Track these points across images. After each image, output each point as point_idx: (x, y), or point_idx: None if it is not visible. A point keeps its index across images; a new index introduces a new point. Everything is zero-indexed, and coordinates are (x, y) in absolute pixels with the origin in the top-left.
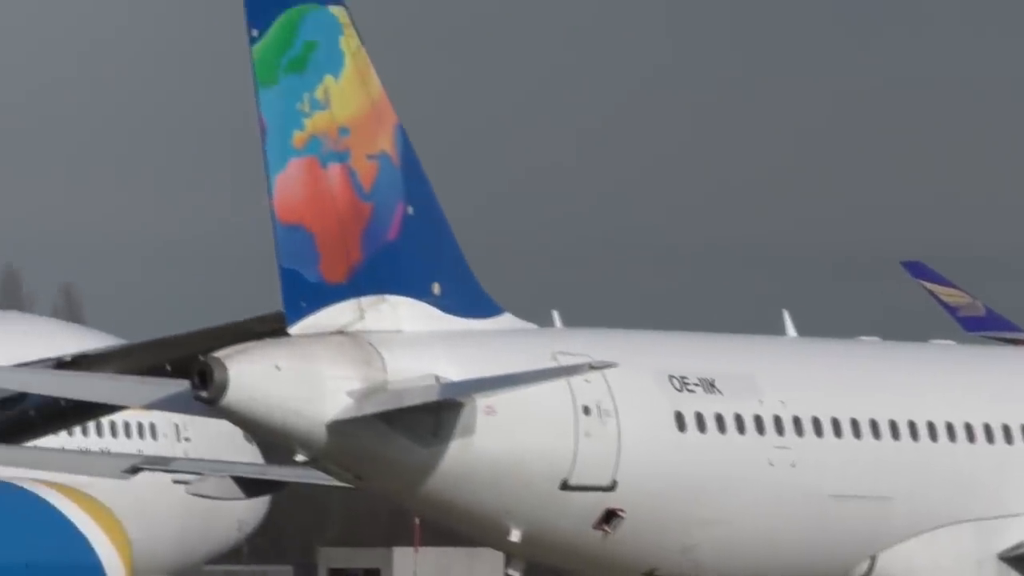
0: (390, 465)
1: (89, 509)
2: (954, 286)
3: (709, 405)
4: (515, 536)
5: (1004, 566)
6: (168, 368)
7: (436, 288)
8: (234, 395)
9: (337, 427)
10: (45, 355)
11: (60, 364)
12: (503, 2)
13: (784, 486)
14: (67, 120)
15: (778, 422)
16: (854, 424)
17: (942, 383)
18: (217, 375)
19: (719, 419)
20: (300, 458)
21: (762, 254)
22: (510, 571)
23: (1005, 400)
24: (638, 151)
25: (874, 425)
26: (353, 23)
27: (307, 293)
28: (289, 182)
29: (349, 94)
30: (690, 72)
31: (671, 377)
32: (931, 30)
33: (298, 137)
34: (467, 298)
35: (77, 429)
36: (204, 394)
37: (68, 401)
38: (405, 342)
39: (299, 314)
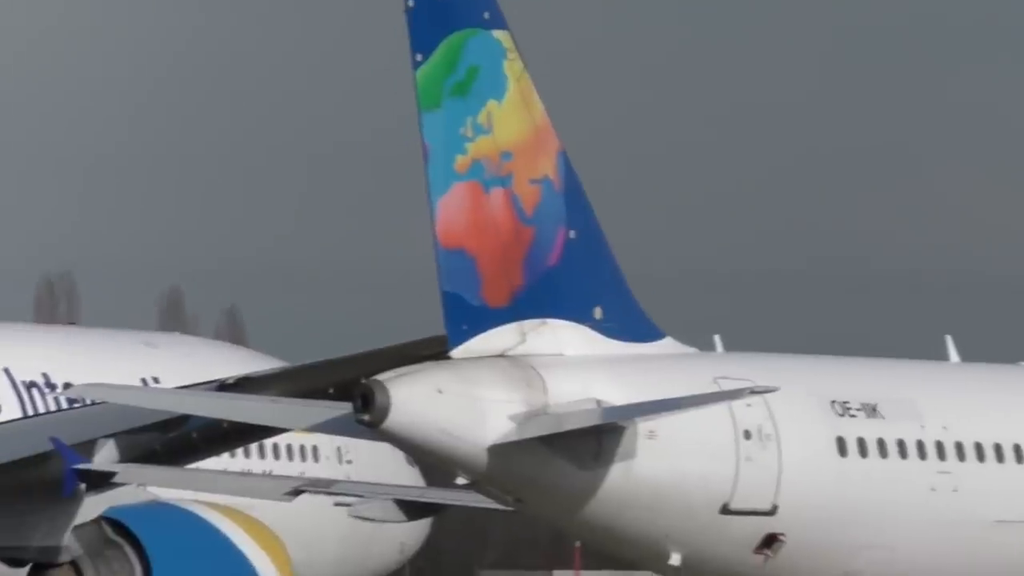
0: (551, 489)
1: (251, 531)
2: None
3: (871, 430)
4: (675, 560)
5: None
6: (330, 391)
7: (598, 312)
8: (396, 418)
9: (498, 450)
10: (208, 377)
11: (223, 386)
12: (675, 27)
13: (946, 511)
14: (232, 145)
15: (940, 447)
16: (1016, 449)
17: None
18: (379, 398)
19: (881, 444)
20: (461, 481)
21: (925, 279)
22: None
23: None
24: (804, 178)
25: None
26: (517, 47)
27: (469, 317)
28: (451, 206)
29: (512, 119)
30: (867, 100)
31: (833, 402)
32: None
33: (461, 161)
34: (629, 322)
35: (239, 451)
36: (366, 417)
37: (230, 423)
38: (566, 365)
39: (461, 337)
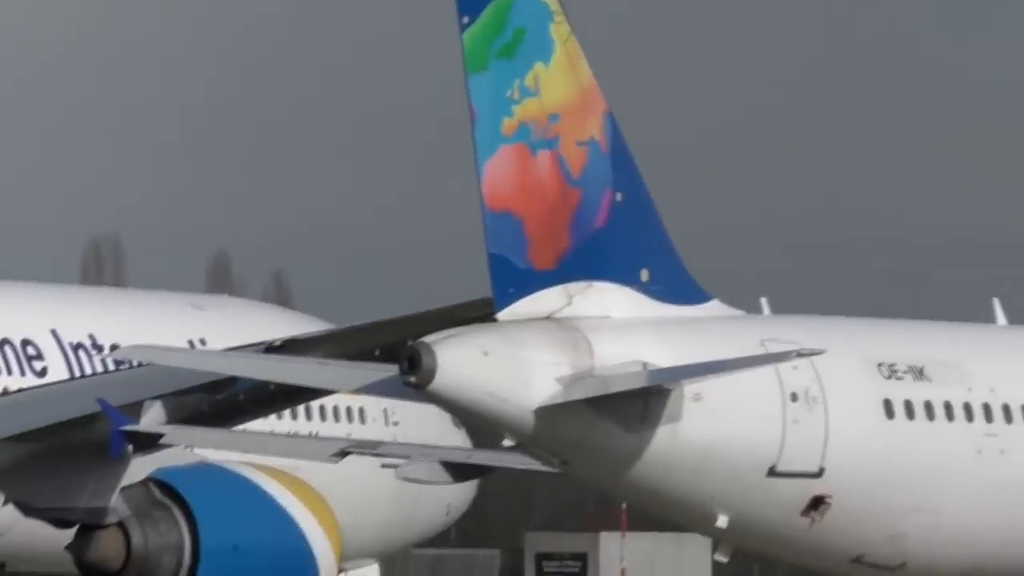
0: (597, 451)
1: (298, 492)
2: None
3: (918, 392)
4: (722, 522)
5: None
6: (377, 353)
7: (644, 274)
8: (442, 380)
9: (544, 413)
10: (255, 339)
11: (269, 348)
12: None
13: (993, 474)
14: (281, 109)
15: (987, 410)
16: None
17: None
18: (426, 360)
19: (928, 406)
20: (507, 443)
21: (972, 242)
22: (717, 556)
23: None
24: (853, 143)
25: None
26: (563, 10)
27: (515, 279)
28: (498, 169)
29: (559, 81)
30: (915, 70)
31: (880, 364)
32: None
33: (507, 124)
34: (675, 284)
35: (286, 413)
36: (412, 379)
37: (277, 385)
38: (613, 328)
39: (507, 300)
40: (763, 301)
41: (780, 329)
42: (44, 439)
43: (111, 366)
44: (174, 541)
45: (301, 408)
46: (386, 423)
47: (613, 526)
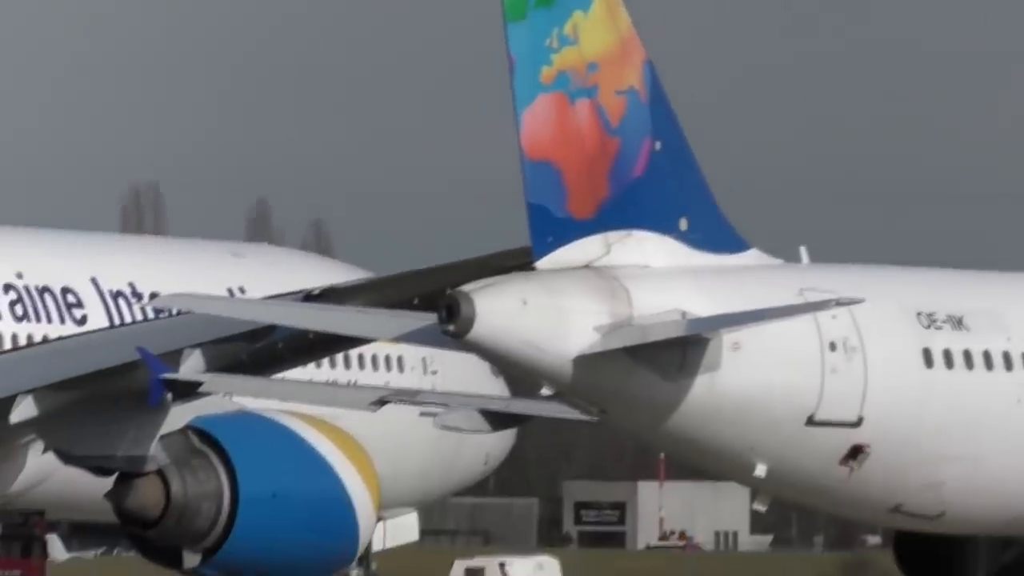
0: (635, 400)
1: (337, 440)
2: None
3: (957, 341)
4: (760, 471)
5: None
6: (416, 301)
7: (683, 223)
8: (481, 329)
9: (582, 362)
10: (294, 288)
11: (308, 297)
12: None
13: None
14: (320, 58)
15: None
16: None
17: None
18: (464, 309)
19: (967, 356)
20: (546, 392)
21: (1013, 193)
22: (756, 506)
23: None
24: (894, 93)
25: None
26: None
27: (554, 228)
28: (537, 118)
29: (598, 29)
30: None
31: (919, 314)
32: None
33: (546, 73)
34: (714, 233)
35: (325, 361)
36: (451, 327)
37: (316, 334)
38: (651, 277)
39: (546, 249)
40: (802, 250)
41: (819, 278)
42: (84, 387)
43: (151, 314)
44: (213, 489)
45: (340, 356)
46: (425, 372)
47: (651, 475)
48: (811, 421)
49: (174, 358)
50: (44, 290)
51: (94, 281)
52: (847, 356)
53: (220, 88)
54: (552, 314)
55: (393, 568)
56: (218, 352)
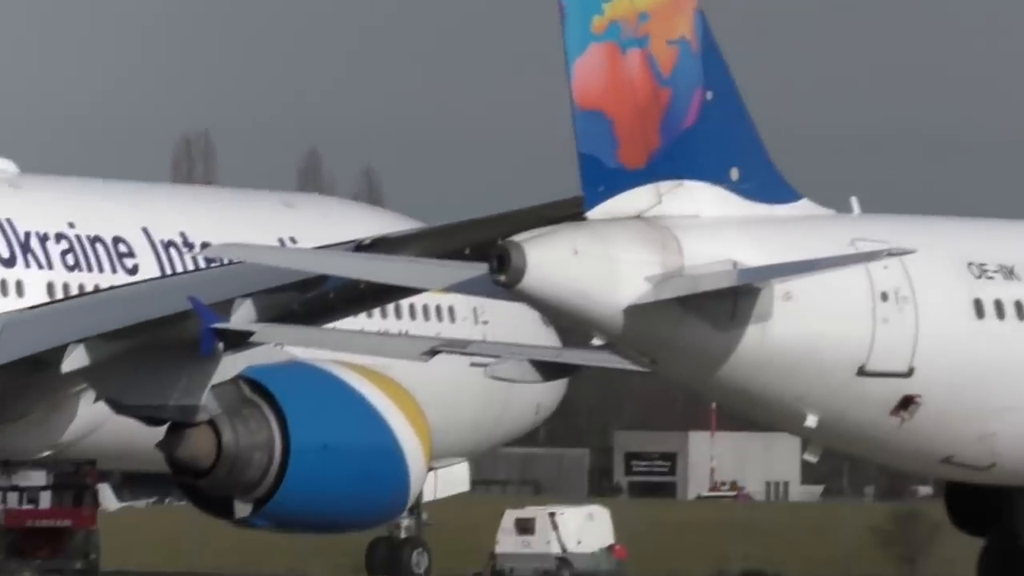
0: (686, 350)
1: (388, 390)
2: None
3: (1008, 292)
4: (811, 422)
5: None
6: (467, 251)
7: (734, 173)
8: (532, 279)
9: (633, 311)
10: (345, 238)
11: (360, 247)
12: None
13: None
14: (371, 6)
15: None
16: None
17: None
18: (515, 259)
19: (1018, 306)
20: (597, 342)
21: None
22: (807, 456)
23: None
24: (947, 44)
25: None
26: None
27: (605, 178)
28: (588, 68)
29: None
30: None
31: (970, 264)
32: None
33: (597, 22)
34: (765, 183)
35: (376, 311)
36: (502, 278)
37: (367, 283)
38: (702, 227)
39: (597, 199)
40: (853, 200)
41: (870, 228)
42: (135, 337)
43: (202, 264)
44: (264, 439)
45: (391, 307)
46: (476, 322)
47: (703, 425)
48: (862, 371)
49: (225, 308)
50: (96, 240)
51: (145, 231)
52: (898, 306)
53: (272, 37)
54: (603, 264)
55: (444, 518)
56: (269, 302)
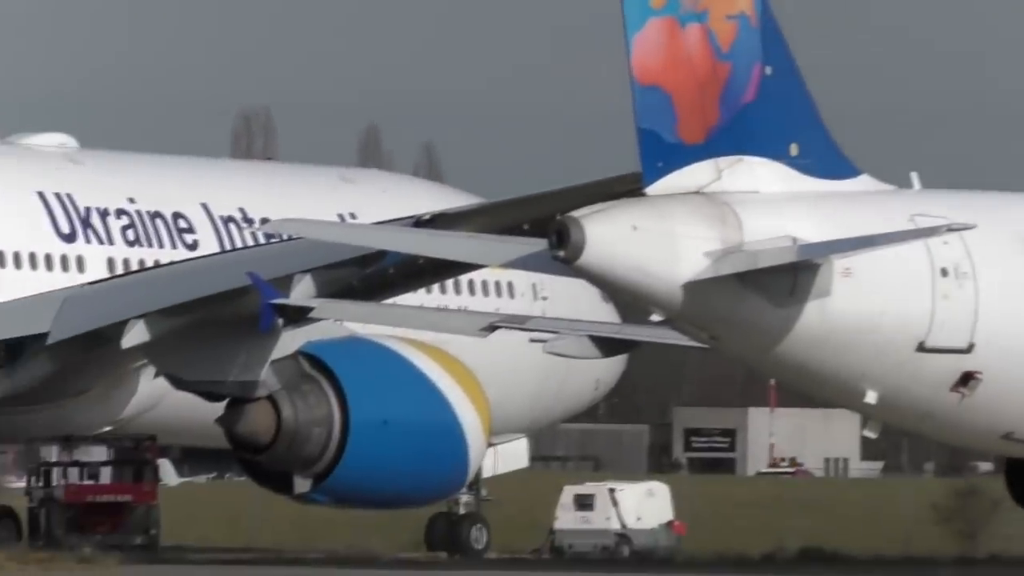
0: (745, 326)
1: (447, 366)
2: None
3: None
4: (871, 398)
5: None
6: (526, 227)
7: (794, 148)
8: (591, 254)
9: (693, 287)
10: (404, 213)
11: (419, 222)
12: None
13: None
14: None
15: None
16: None
17: None
18: (574, 234)
19: None
20: (656, 318)
21: None
22: (867, 432)
23: None
24: (1006, 18)
25: None
26: None
27: (664, 153)
28: (647, 43)
29: None
30: None
31: None
32: None
33: None
34: (825, 159)
35: (435, 287)
36: (561, 253)
37: (426, 259)
38: (762, 202)
39: (656, 174)
40: (913, 176)
41: (930, 204)
42: (195, 312)
43: (261, 239)
44: (324, 415)
45: (450, 282)
46: (535, 297)
47: (762, 402)
48: (922, 347)
49: (285, 283)
50: (156, 215)
51: (205, 206)
52: (958, 282)
53: (331, 12)
54: (662, 240)
55: (503, 494)
56: (329, 277)
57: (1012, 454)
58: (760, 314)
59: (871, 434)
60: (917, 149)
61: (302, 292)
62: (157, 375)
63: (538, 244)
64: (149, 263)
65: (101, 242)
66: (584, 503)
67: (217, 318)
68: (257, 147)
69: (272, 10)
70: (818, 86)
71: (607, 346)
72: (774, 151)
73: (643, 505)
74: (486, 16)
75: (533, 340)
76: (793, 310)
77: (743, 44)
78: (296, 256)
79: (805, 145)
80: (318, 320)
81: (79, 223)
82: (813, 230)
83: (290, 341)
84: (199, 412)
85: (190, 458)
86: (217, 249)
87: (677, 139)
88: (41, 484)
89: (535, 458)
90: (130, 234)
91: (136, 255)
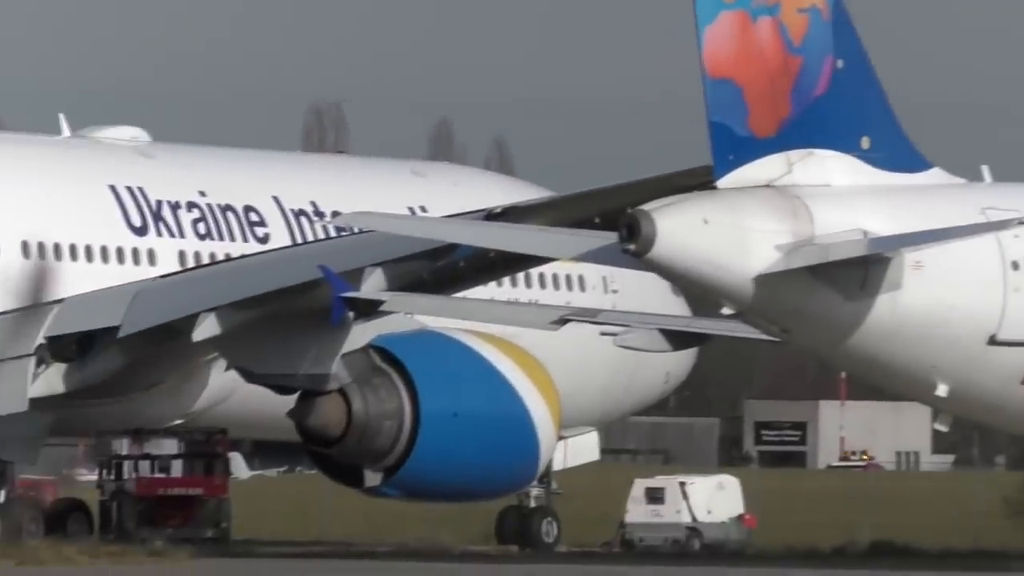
0: (816, 319)
1: (518, 359)
2: None
3: None
4: (942, 391)
5: None
6: (596, 220)
7: (865, 142)
8: (662, 248)
9: (764, 280)
10: (475, 206)
11: (490, 216)
12: None
13: None
14: None
15: None
16: None
17: None
18: (645, 228)
19: None
20: (727, 311)
21: None
22: (937, 425)
23: None
24: None
25: None
26: None
27: (735, 146)
28: (719, 36)
29: None
30: None
31: None
32: None
33: None
34: (896, 152)
35: (506, 280)
36: (632, 247)
37: (497, 252)
38: (833, 196)
39: (727, 167)
40: (984, 169)
41: (1001, 197)
42: (266, 305)
43: (332, 233)
44: (394, 408)
45: (520, 275)
46: (605, 291)
47: (833, 395)
48: (993, 340)
49: (355, 277)
50: (227, 208)
51: (276, 200)
52: None
53: (402, 6)
54: (733, 233)
55: (573, 487)
56: (399, 271)
57: None
58: (831, 307)
59: (942, 427)
60: (989, 142)
61: (373, 285)
62: (228, 368)
63: (609, 237)
64: (220, 256)
65: (172, 235)
66: (654, 496)
67: (288, 311)
68: (328, 141)
69: (344, 4)
70: (890, 79)
71: (677, 339)
72: (845, 144)
73: (713, 498)
74: (557, 10)
75: (603, 333)
76: (864, 303)
77: (815, 37)
78: (367, 249)
79: (876, 138)
80: (389, 313)
81: (151, 216)
82: (884, 223)
83: (361, 334)
84: (270, 405)
85: (261, 451)
86: (288, 242)
87: (748, 132)
88: (112, 477)
89: (605, 451)
90: (201, 227)
91: (207, 248)
